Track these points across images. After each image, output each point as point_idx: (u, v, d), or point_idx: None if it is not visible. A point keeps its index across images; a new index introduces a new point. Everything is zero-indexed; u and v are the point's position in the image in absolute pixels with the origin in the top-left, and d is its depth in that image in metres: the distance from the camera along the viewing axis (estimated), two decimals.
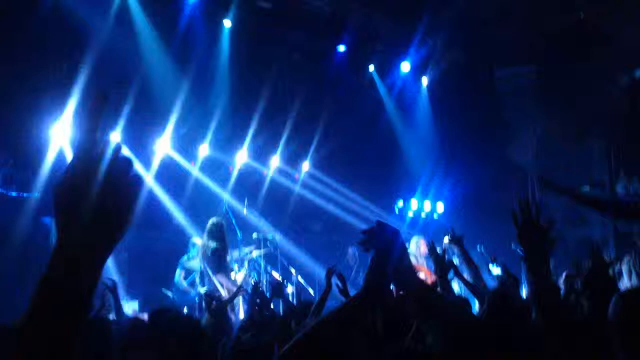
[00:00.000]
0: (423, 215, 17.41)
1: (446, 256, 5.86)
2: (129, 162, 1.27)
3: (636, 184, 13.02)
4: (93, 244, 1.20)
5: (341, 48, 14.99)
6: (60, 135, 10.49)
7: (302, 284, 12.41)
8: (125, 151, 1.20)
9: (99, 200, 1.20)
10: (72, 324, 1.15)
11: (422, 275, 11.20)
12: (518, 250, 3.63)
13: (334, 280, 5.76)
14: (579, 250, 13.46)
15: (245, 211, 12.60)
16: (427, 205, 17.46)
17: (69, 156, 8.04)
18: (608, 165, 15.93)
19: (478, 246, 11.78)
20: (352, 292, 7.57)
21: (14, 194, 9.86)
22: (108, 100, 1.27)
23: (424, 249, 11.58)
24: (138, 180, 1.29)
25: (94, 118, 1.24)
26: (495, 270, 10.68)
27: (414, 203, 17.31)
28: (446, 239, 11.93)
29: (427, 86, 17.35)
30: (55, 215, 1.23)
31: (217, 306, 5.94)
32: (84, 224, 1.19)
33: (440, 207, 17.53)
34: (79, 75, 9.96)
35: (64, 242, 1.20)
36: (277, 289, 6.89)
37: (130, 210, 1.26)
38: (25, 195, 9.94)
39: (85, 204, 1.19)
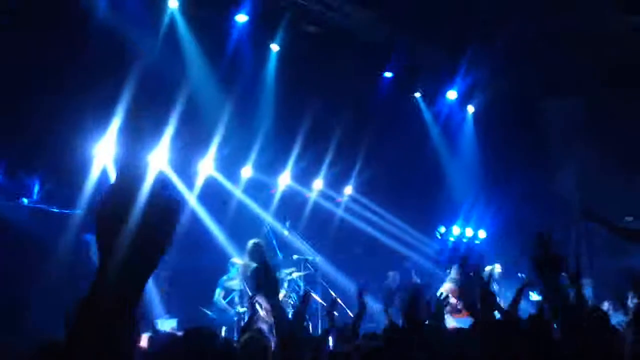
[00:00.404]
0: (464, 241, 17.29)
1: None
2: (168, 184, 1.30)
3: None
4: (135, 265, 1.22)
5: (387, 74, 15.03)
6: (103, 153, 10.69)
7: (341, 306, 12.37)
8: (167, 173, 1.19)
9: (140, 222, 1.23)
10: (115, 343, 1.17)
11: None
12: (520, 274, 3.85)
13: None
14: (619, 280, 13.24)
15: (286, 233, 12.65)
16: (468, 232, 17.34)
17: (112, 176, 8.16)
18: None
19: (519, 273, 11.67)
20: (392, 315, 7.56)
21: (55, 210, 10.02)
22: (146, 120, 1.31)
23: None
24: (177, 203, 1.31)
25: (136, 141, 1.28)
26: (535, 297, 10.58)
27: (455, 229, 17.22)
28: (492, 267, 11.92)
29: (473, 114, 17.29)
30: (97, 237, 1.27)
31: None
32: (125, 246, 1.21)
33: (481, 233, 17.39)
34: (124, 95, 10.12)
35: (106, 264, 1.22)
36: (332, 304, 6.84)
37: (170, 232, 1.28)
38: (67, 212, 10.10)
39: (126, 227, 1.21)
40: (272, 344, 6.01)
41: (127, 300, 1.20)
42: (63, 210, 10.10)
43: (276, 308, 4.21)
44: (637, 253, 15.49)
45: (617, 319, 10.18)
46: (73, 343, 1.16)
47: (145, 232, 1.22)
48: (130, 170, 1.25)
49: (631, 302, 11.84)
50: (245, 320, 8.58)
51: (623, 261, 14.98)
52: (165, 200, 1.28)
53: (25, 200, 9.78)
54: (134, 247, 1.21)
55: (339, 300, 12.30)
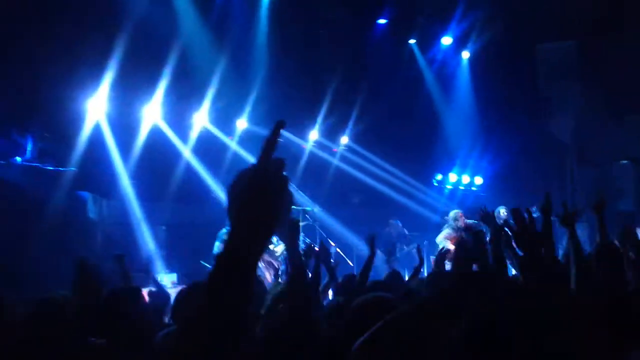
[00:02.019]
0: (461, 188, 17.33)
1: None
2: (283, 174, 1.61)
3: None
4: (256, 229, 1.54)
5: (381, 21, 14.84)
6: (95, 109, 10.56)
7: (341, 255, 12.40)
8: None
9: (261, 199, 1.55)
10: (245, 282, 1.51)
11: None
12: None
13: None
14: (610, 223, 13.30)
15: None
16: (465, 179, 17.36)
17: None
18: None
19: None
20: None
21: (50, 167, 9.94)
22: (283, 128, 1.66)
23: (462, 222, 11.57)
24: (287, 187, 1.62)
25: (271, 146, 1.61)
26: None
27: (452, 176, 17.23)
28: (497, 210, 11.89)
29: (468, 60, 17.15)
30: (229, 208, 1.61)
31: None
32: (249, 216, 1.55)
33: (478, 180, 17.40)
34: (116, 49, 9.98)
35: (236, 227, 1.55)
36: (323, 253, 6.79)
37: (282, 207, 1.59)
38: (61, 169, 10.01)
39: (251, 202, 1.55)
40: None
41: (251, 253, 1.52)
42: (57, 168, 10.01)
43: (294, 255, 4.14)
44: (630, 197, 15.69)
45: None
46: (212, 280, 1.50)
47: (264, 205, 1.55)
48: (261, 166, 1.58)
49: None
50: None
51: (615, 205, 15.16)
52: (279, 185, 1.59)
53: (18, 159, 9.67)
54: (256, 216, 1.54)
55: (338, 250, 12.40)
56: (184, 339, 1.50)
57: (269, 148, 1.60)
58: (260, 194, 1.55)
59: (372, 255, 5.79)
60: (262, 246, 1.57)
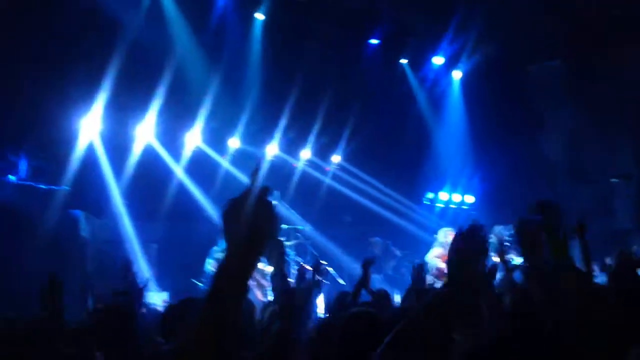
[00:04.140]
0: (452, 207, 17.39)
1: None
2: (269, 200, 1.81)
3: None
4: (250, 248, 1.75)
5: (373, 41, 14.96)
6: (89, 128, 10.62)
7: (332, 274, 12.44)
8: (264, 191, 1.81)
9: (252, 222, 1.76)
10: (239, 297, 1.69)
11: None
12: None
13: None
14: (603, 242, 13.46)
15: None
16: (456, 197, 17.42)
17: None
18: (635, 158, 15.79)
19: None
20: (378, 281, 7.61)
21: (43, 186, 9.99)
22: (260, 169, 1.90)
23: (450, 239, 11.60)
24: (273, 210, 1.83)
25: (255, 177, 1.83)
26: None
27: (443, 195, 17.30)
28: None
29: (459, 80, 17.26)
30: (224, 230, 1.82)
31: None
32: (243, 237, 1.74)
33: (469, 199, 17.47)
34: (110, 68, 10.05)
35: (231, 247, 1.75)
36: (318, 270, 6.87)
37: (271, 229, 1.81)
38: (54, 188, 10.05)
39: (243, 225, 1.75)
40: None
41: (245, 269, 1.73)
42: (50, 187, 10.05)
43: (279, 276, 4.28)
44: (622, 215, 15.77)
45: (601, 279, 10.36)
46: (211, 296, 1.67)
47: (256, 227, 1.76)
48: (248, 194, 1.79)
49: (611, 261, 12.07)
50: None
51: (608, 223, 15.22)
52: (267, 208, 1.81)
53: (12, 178, 9.72)
54: (249, 237, 1.75)
55: (329, 269, 12.44)
56: (186, 354, 1.66)
57: (253, 179, 1.82)
58: (248, 218, 1.75)
59: (364, 279, 5.93)
60: (252, 265, 1.76)
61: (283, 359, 3.63)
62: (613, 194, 16.07)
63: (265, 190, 1.81)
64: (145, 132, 11.65)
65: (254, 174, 1.85)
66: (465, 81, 17.15)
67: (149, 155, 11.77)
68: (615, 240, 13.79)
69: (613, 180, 15.83)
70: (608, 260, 12.21)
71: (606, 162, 16.12)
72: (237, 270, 1.71)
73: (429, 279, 10.21)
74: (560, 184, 16.99)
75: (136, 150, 11.58)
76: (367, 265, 6.07)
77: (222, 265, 1.72)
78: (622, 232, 15.03)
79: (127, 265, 6.25)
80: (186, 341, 1.69)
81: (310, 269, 11.14)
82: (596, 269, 11.43)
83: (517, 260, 10.96)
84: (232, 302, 1.68)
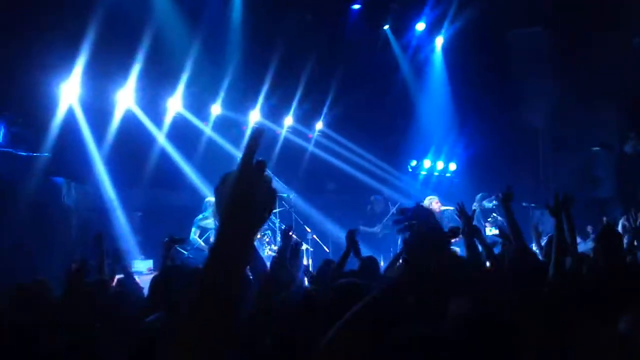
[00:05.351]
0: (435, 174, 17.39)
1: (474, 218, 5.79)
2: (266, 176, 1.73)
3: None
4: (244, 227, 1.67)
5: (356, 6, 14.80)
6: (68, 94, 10.40)
7: (316, 241, 12.41)
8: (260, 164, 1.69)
9: (246, 199, 1.68)
10: (235, 274, 1.62)
11: None
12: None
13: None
14: (585, 210, 13.61)
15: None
16: (439, 165, 17.42)
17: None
18: (617, 127, 15.86)
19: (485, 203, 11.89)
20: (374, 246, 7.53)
21: (23, 153, 9.79)
22: (262, 136, 1.74)
23: (435, 206, 11.64)
24: (272, 189, 1.76)
25: (251, 150, 1.70)
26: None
27: (426, 162, 17.28)
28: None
29: (442, 46, 17.17)
30: (218, 208, 1.87)
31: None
32: (237, 214, 1.66)
33: (452, 166, 17.47)
34: (89, 33, 9.83)
35: (225, 226, 1.66)
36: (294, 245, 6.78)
37: (265, 208, 1.74)
38: (35, 154, 9.87)
39: (237, 203, 1.67)
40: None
41: (239, 249, 1.64)
42: (30, 153, 9.86)
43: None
44: (603, 184, 15.89)
45: (586, 246, 10.43)
46: (207, 271, 1.60)
47: (249, 204, 1.67)
48: (243, 169, 1.67)
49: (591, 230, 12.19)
50: None
51: (589, 192, 15.33)
52: (264, 186, 1.71)
53: None
54: (242, 214, 1.66)
55: (314, 236, 12.40)
56: (180, 326, 1.57)
57: (249, 152, 1.70)
58: (245, 194, 1.67)
59: (348, 251, 5.86)
60: (249, 242, 1.70)
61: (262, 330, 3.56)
62: (595, 163, 16.15)
63: (262, 165, 1.71)
64: (125, 98, 11.44)
65: (251, 145, 1.71)
66: (447, 47, 17.09)
67: (130, 121, 11.57)
68: (596, 209, 13.91)
69: (595, 149, 15.90)
70: (589, 229, 12.41)
71: (588, 131, 16.18)
72: (232, 250, 1.64)
73: None
74: (542, 152, 17.05)
75: (117, 116, 11.38)
76: (351, 236, 5.99)
77: (218, 242, 1.65)
78: (603, 200, 15.14)
79: (99, 238, 6.16)
80: (187, 313, 1.58)
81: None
82: (578, 237, 11.55)
83: (494, 231, 11.02)
84: (230, 280, 1.61)
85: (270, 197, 1.75)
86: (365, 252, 6.52)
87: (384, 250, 12.39)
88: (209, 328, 1.54)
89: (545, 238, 6.46)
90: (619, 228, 6.66)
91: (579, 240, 11.83)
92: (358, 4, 14.78)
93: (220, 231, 1.66)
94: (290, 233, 5.91)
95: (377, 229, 13.13)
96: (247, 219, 1.67)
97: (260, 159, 1.69)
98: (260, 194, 1.69)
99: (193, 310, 1.57)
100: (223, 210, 1.68)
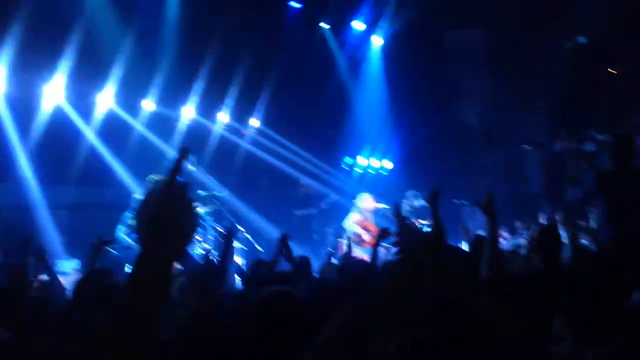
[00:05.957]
0: (371, 172, 17.47)
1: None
2: (188, 198, 1.73)
3: (574, 144, 13.21)
4: (165, 248, 1.67)
5: (295, 4, 14.76)
6: None
7: (249, 241, 12.29)
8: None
9: (169, 220, 1.68)
10: (159, 297, 1.62)
11: (367, 231, 11.27)
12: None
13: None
14: (514, 206, 13.90)
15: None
16: (374, 163, 17.50)
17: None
18: (548, 126, 16.19)
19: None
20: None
21: None
22: (187, 155, 1.83)
23: (369, 204, 11.66)
24: (194, 209, 1.75)
25: (175, 170, 1.73)
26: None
27: (361, 160, 17.34)
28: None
29: (380, 45, 17.26)
30: (139, 230, 1.71)
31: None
32: (157, 236, 1.66)
33: (387, 164, 17.57)
34: (15, 25, 9.57)
35: (146, 247, 1.66)
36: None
37: (189, 228, 1.73)
38: None
39: (158, 224, 1.67)
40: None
41: (161, 270, 1.64)
42: None
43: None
44: (532, 181, 16.28)
45: (514, 242, 10.61)
46: (130, 290, 1.60)
47: (172, 226, 1.68)
48: (166, 190, 1.69)
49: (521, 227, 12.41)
50: None
51: (519, 188, 15.68)
52: (185, 207, 1.72)
53: None
54: (163, 236, 1.66)
55: (247, 235, 12.29)
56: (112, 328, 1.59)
57: (174, 173, 1.74)
58: (167, 216, 1.68)
59: (277, 256, 5.86)
60: (171, 264, 1.70)
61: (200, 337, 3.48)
62: (524, 160, 16.49)
63: (184, 186, 1.74)
64: (54, 93, 11.15)
65: (176, 167, 1.74)
66: (385, 46, 17.21)
67: (59, 117, 11.30)
68: (525, 205, 14.22)
69: (525, 146, 16.22)
70: (518, 224, 12.65)
71: (519, 129, 16.51)
72: (156, 270, 1.64)
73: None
74: (474, 149, 17.32)
75: (44, 112, 11.09)
76: (284, 240, 5.98)
77: (139, 266, 1.65)
78: (532, 196, 15.45)
79: (28, 240, 6.04)
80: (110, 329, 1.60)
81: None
82: (506, 233, 11.75)
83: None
84: (152, 298, 1.62)
85: (193, 221, 1.75)
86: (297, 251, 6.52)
87: (318, 247, 12.50)
88: (128, 346, 1.55)
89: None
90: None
91: (509, 236, 12.06)
92: (297, 1, 14.75)
93: (141, 256, 1.65)
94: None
95: (323, 205, 13.25)
96: (169, 244, 1.66)
97: (182, 180, 1.72)
98: (184, 218, 1.69)
99: (115, 326, 1.58)
100: (145, 235, 1.67)
